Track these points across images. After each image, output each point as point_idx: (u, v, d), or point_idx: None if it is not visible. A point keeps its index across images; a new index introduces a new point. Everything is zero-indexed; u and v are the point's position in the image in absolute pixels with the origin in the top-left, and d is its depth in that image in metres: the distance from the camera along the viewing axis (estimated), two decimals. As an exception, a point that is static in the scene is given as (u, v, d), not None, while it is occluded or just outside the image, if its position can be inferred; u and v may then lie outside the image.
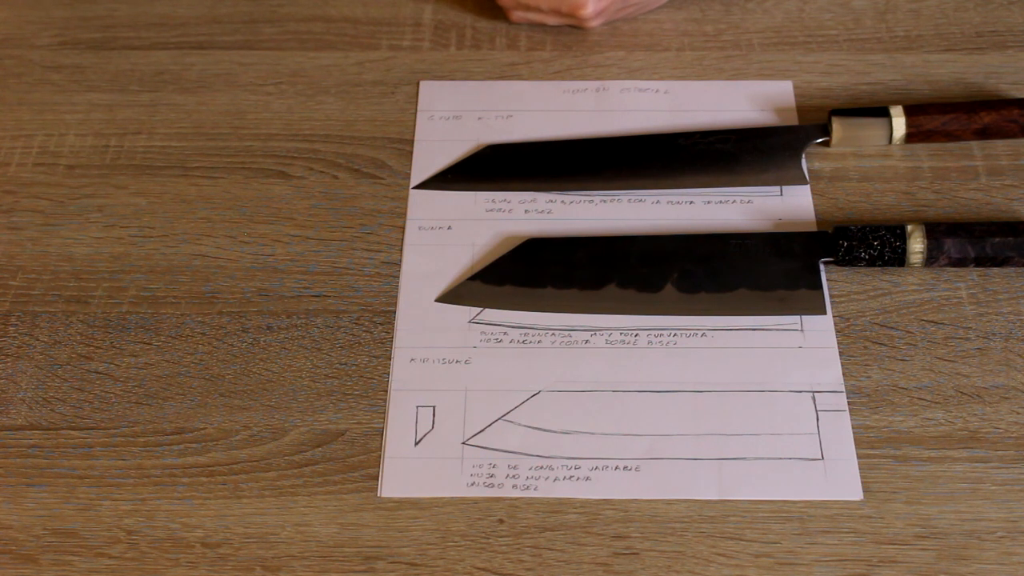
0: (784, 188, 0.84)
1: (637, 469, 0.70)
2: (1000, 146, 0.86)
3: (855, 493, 0.69)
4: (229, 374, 0.75)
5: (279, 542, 0.68)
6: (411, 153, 0.87)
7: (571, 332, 0.76)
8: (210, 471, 0.71)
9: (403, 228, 0.82)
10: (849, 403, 0.73)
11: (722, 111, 0.89)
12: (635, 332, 0.76)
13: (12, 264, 0.81)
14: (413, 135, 0.88)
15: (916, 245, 0.78)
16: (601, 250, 0.80)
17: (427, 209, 0.83)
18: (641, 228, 0.82)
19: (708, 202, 0.83)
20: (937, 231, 0.78)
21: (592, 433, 0.72)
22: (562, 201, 0.84)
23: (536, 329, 0.77)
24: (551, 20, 0.93)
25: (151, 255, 0.81)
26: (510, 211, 0.83)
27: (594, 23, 0.93)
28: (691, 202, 0.83)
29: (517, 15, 0.93)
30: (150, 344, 0.76)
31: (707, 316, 0.77)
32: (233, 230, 0.82)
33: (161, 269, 0.80)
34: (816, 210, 0.83)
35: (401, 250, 0.81)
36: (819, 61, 0.92)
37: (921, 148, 0.86)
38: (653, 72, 0.92)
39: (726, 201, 0.83)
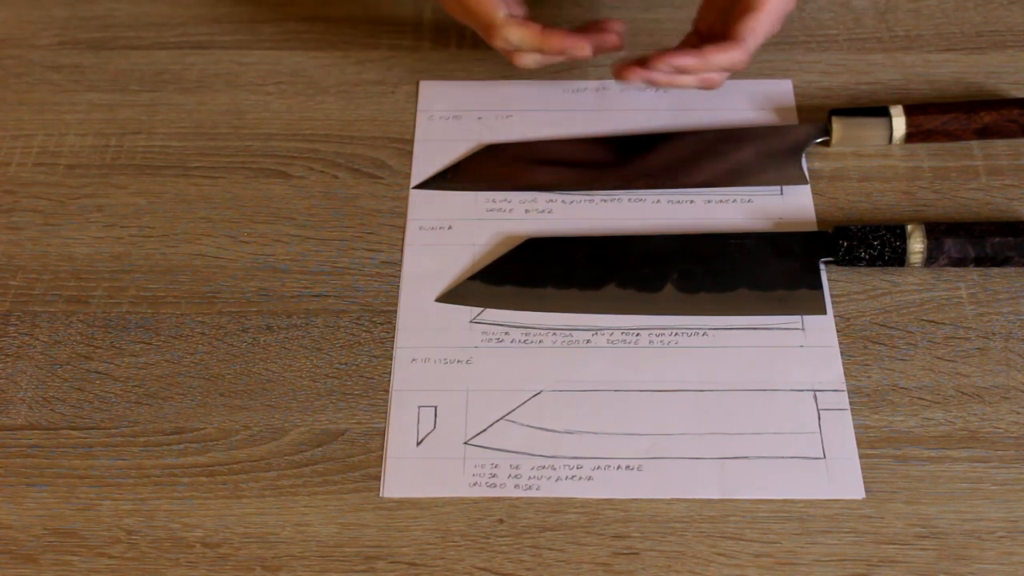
0: (784, 188, 0.84)
1: (639, 468, 0.70)
2: (1000, 146, 0.86)
3: (857, 492, 0.69)
4: (229, 374, 0.75)
5: (279, 542, 0.68)
6: (411, 153, 0.87)
7: (572, 332, 0.76)
8: (210, 471, 0.71)
9: (403, 228, 0.82)
10: (849, 403, 0.73)
11: (722, 111, 0.89)
12: (636, 332, 0.76)
13: (12, 264, 0.81)
14: (413, 135, 0.88)
15: (916, 245, 0.78)
16: (601, 250, 0.80)
17: (427, 209, 0.83)
18: (641, 228, 0.82)
19: (708, 202, 0.83)
20: (937, 231, 0.78)
21: (594, 433, 0.72)
22: (562, 201, 0.84)
23: (537, 329, 0.77)
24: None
25: (151, 255, 0.81)
26: (510, 211, 0.83)
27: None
28: (691, 202, 0.83)
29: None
30: (150, 344, 0.76)
31: (707, 316, 0.77)
32: (233, 230, 0.82)
33: (161, 269, 0.80)
34: (816, 210, 0.83)
35: (401, 250, 0.81)
36: (819, 61, 0.92)
37: (921, 148, 0.86)
38: (653, 72, 0.91)
39: (726, 201, 0.83)
